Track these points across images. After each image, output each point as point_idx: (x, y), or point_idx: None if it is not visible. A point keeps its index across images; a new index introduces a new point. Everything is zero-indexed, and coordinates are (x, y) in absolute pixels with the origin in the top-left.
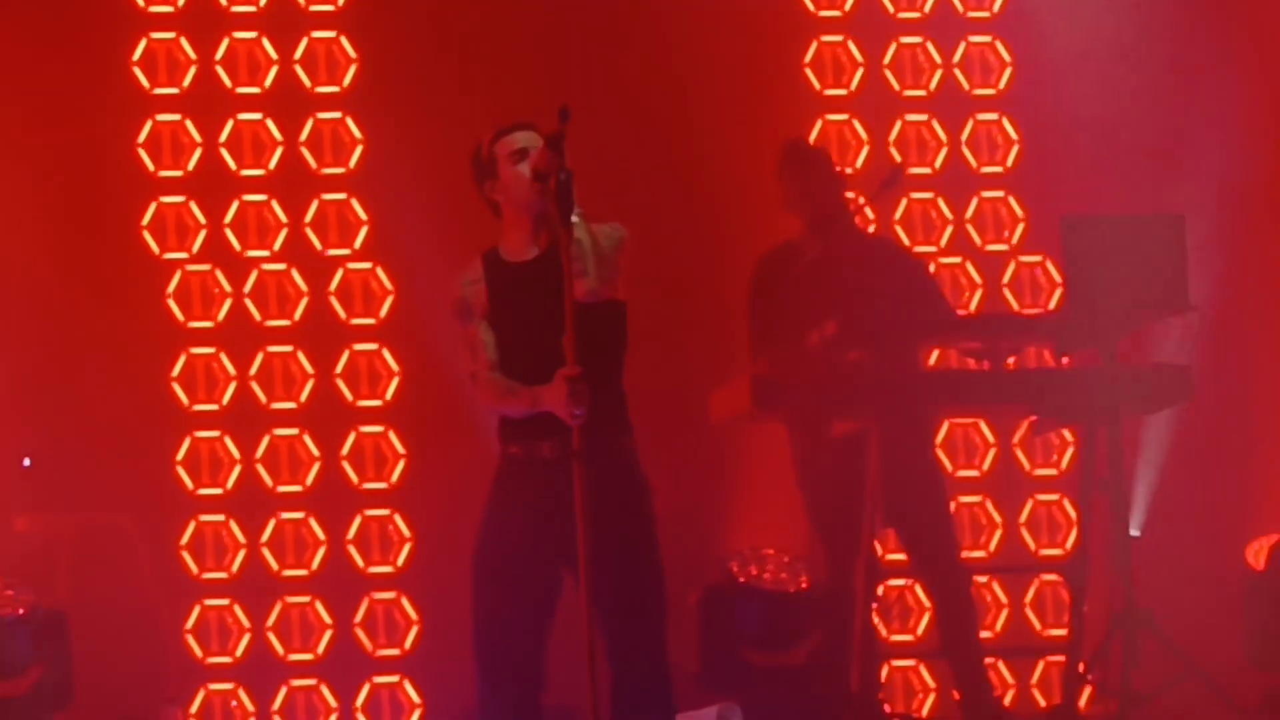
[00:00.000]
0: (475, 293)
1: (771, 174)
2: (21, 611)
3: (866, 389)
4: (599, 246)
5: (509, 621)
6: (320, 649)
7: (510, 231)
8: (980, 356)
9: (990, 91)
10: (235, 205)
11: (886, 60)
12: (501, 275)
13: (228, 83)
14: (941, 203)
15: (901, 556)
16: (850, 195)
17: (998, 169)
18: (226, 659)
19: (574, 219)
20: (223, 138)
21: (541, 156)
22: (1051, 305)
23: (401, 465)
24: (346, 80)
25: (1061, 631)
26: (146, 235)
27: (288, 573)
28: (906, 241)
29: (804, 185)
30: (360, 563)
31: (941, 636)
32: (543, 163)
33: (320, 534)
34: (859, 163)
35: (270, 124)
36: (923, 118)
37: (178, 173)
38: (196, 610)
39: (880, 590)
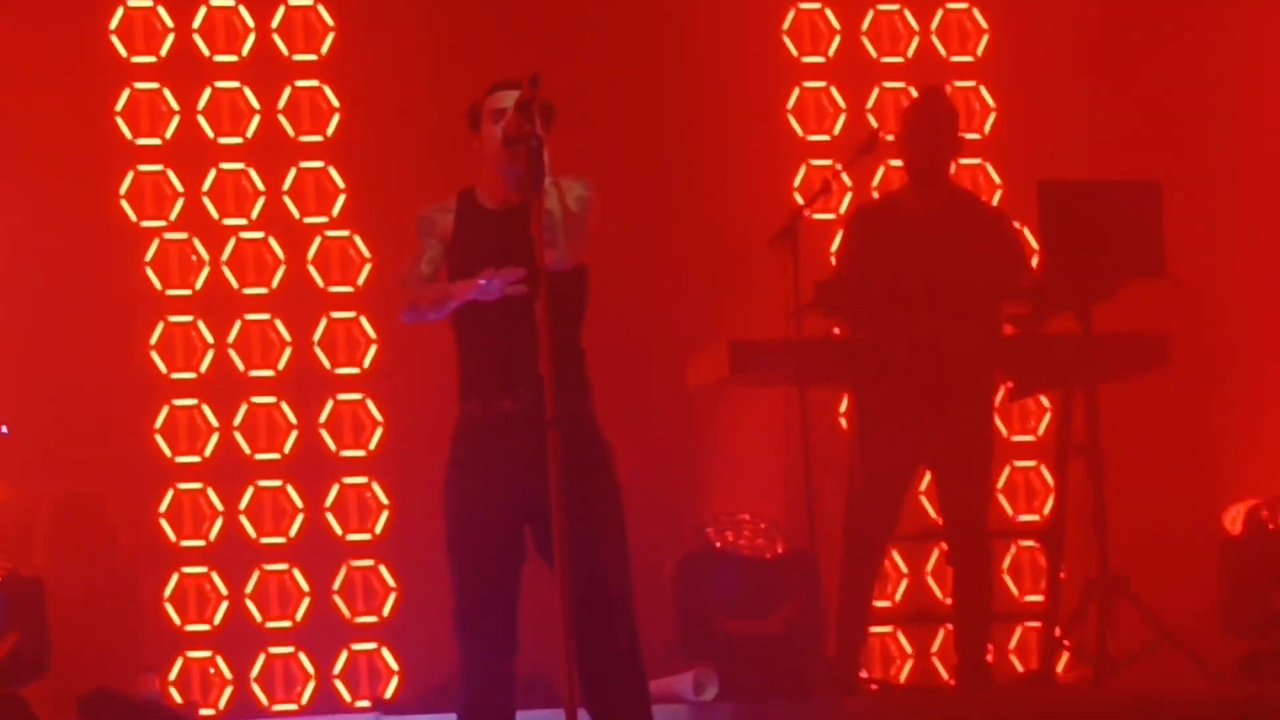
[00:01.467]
0: (443, 219)
1: (752, 137)
2: None
3: (843, 355)
4: (568, 213)
5: (480, 583)
6: (298, 616)
7: (487, 184)
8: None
9: (968, 58)
10: (213, 173)
11: (864, 27)
12: (473, 215)
13: (205, 51)
14: None
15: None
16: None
17: (975, 136)
18: (205, 627)
19: (546, 188)
20: (200, 106)
21: (511, 121)
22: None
23: (379, 433)
24: (324, 48)
25: (1038, 598)
26: (124, 203)
27: (266, 540)
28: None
29: (926, 134)
30: (338, 530)
31: (956, 598)
32: (513, 127)
33: (298, 501)
34: (836, 129)
35: (248, 92)
36: (900, 85)
37: (156, 141)
38: (175, 578)
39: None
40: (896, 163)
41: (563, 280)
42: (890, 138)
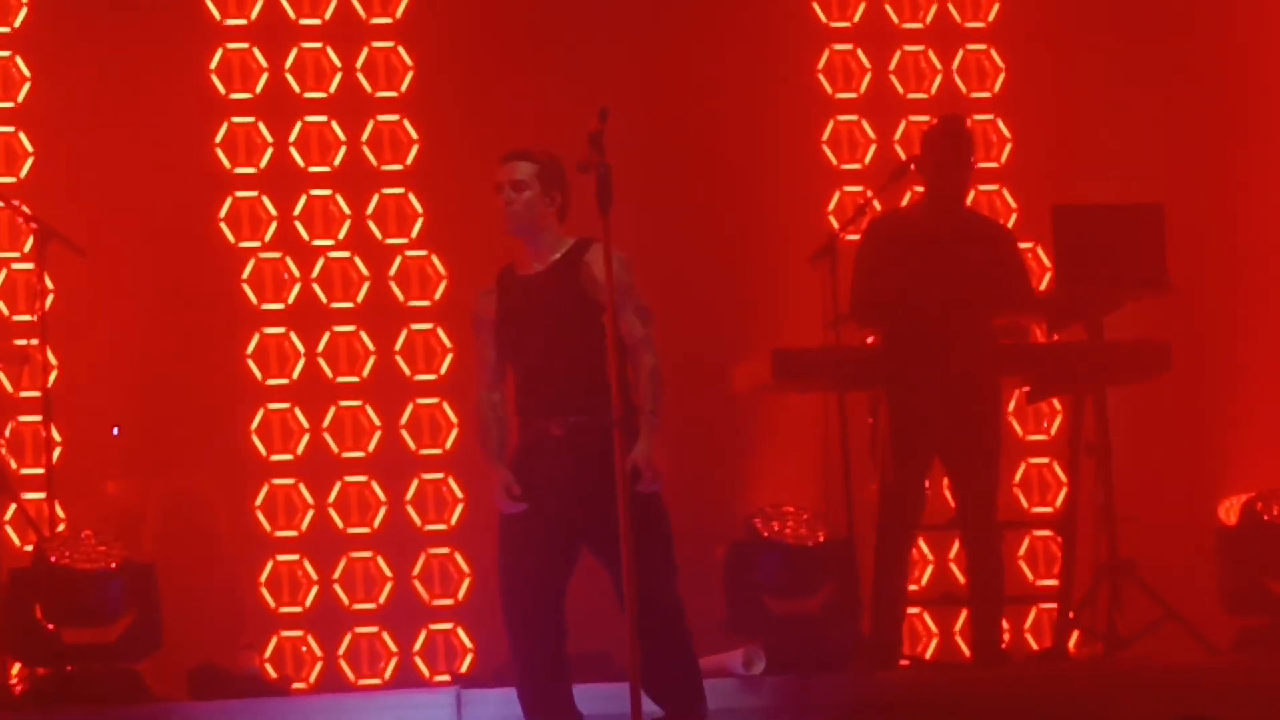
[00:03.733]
0: (486, 304)
1: (791, 165)
2: (114, 565)
3: (877, 363)
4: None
5: (527, 586)
6: (381, 599)
7: (515, 248)
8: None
9: (986, 94)
10: (303, 199)
11: (892, 66)
12: (512, 287)
13: (296, 88)
14: None
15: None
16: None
17: (993, 164)
18: (297, 609)
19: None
20: (292, 138)
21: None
22: (1042, 287)
23: (454, 433)
24: (404, 86)
25: (1052, 581)
26: (223, 226)
27: (352, 530)
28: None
29: (943, 158)
30: (417, 521)
31: (970, 582)
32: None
33: (381, 495)
34: (867, 159)
35: (335, 125)
36: (925, 118)
37: (251, 169)
38: (270, 565)
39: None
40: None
41: (597, 316)
42: (911, 166)
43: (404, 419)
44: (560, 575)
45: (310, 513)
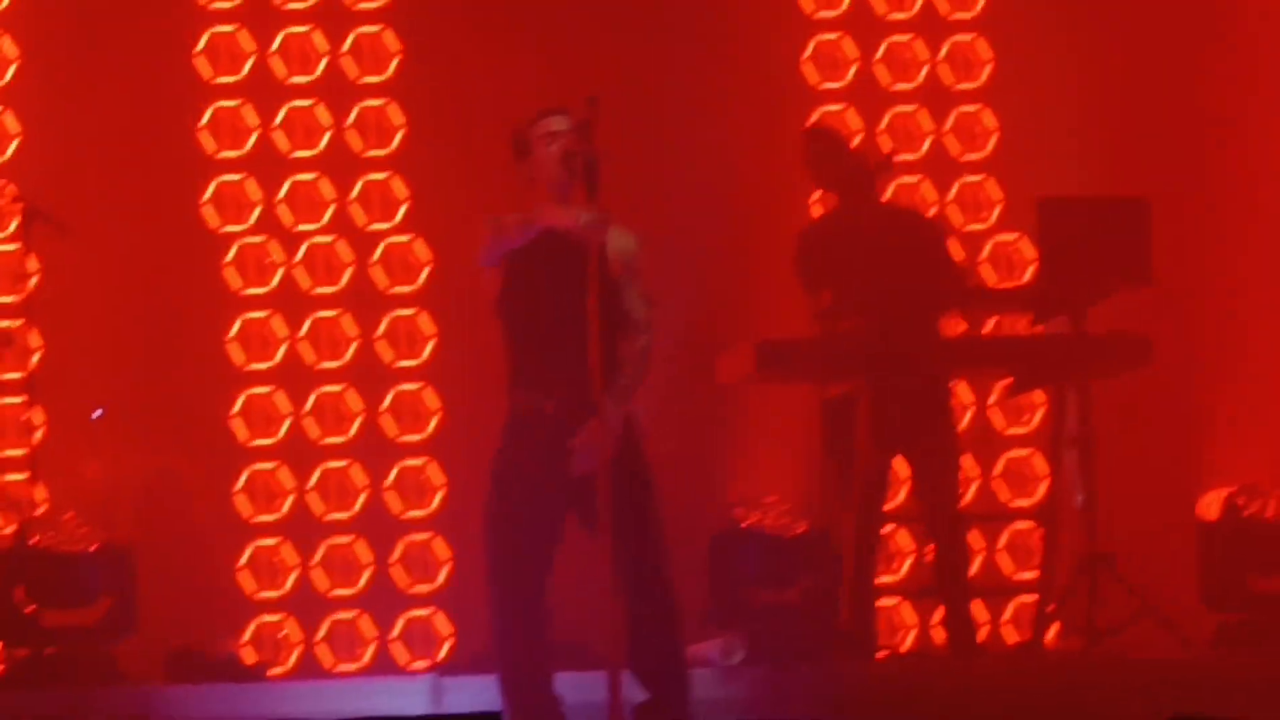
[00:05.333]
0: (526, 225)
1: (775, 156)
2: (93, 548)
3: (859, 354)
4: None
5: (517, 563)
6: (360, 585)
7: (544, 204)
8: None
9: (972, 85)
10: (287, 184)
11: (878, 56)
12: (537, 238)
13: (282, 73)
14: (927, 185)
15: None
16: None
17: (979, 155)
18: (275, 594)
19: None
20: (276, 122)
21: (571, 140)
22: (1025, 279)
23: (436, 418)
24: (390, 70)
25: (1032, 574)
26: (208, 209)
27: (331, 516)
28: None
29: (825, 169)
30: (398, 507)
31: (936, 577)
32: (572, 145)
33: (362, 481)
34: None
35: (320, 110)
36: (910, 109)
37: (235, 154)
38: (249, 549)
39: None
40: (910, 179)
41: (612, 295)
42: (895, 158)
43: (385, 405)
44: (549, 556)
45: (290, 498)
